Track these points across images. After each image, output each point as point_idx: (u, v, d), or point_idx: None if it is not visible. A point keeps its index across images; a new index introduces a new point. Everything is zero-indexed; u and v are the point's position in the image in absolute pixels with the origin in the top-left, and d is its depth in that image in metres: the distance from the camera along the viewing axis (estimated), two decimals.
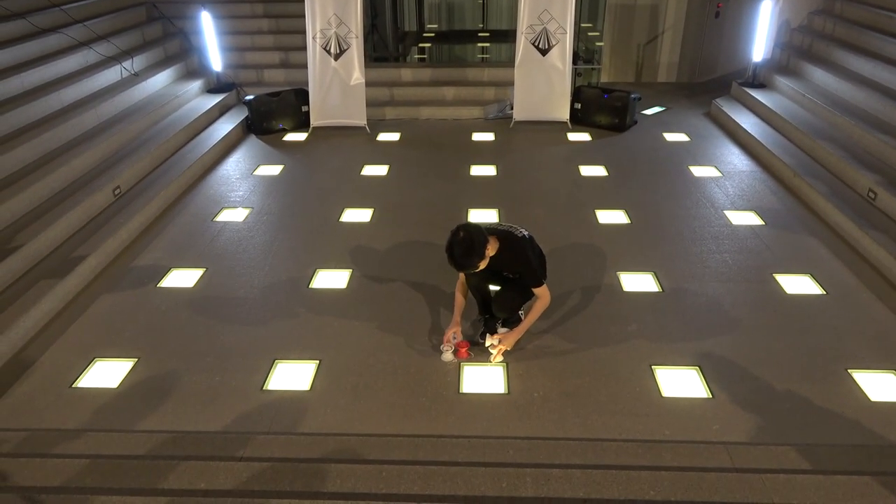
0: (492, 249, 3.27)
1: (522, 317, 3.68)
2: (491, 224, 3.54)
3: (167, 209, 5.49)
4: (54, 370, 3.55)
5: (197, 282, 4.40)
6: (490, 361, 3.55)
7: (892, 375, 3.42)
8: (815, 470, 2.80)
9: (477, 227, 3.23)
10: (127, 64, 7.16)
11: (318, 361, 3.60)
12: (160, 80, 7.43)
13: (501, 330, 3.68)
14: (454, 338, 3.54)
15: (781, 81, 7.41)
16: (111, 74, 6.92)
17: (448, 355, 3.57)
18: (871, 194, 5.07)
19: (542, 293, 3.48)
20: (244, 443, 3.00)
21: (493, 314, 3.77)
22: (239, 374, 3.50)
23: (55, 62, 6.41)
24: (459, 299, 3.64)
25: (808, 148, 6.10)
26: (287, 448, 2.98)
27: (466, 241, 3.14)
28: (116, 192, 5.35)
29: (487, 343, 3.55)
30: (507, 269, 3.46)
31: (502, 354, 3.55)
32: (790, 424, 3.10)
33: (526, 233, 3.53)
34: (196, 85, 7.75)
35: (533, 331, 3.72)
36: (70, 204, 4.86)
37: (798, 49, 7.91)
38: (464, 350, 3.58)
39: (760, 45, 7.55)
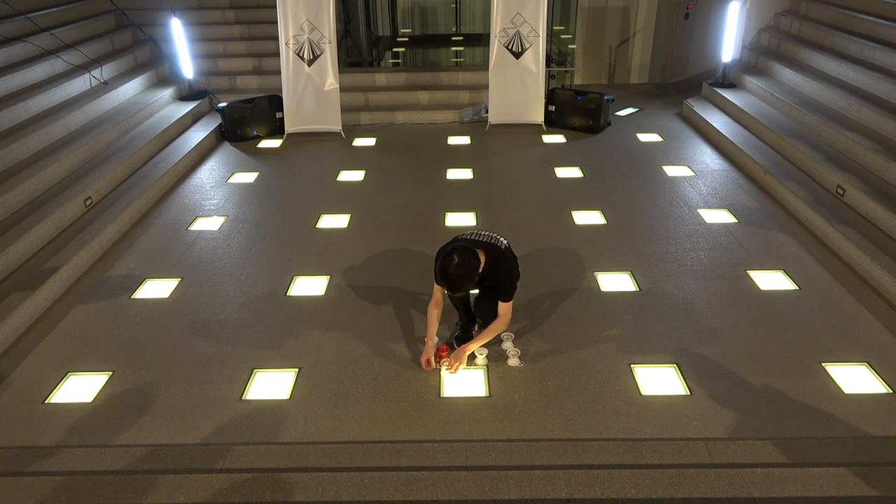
0: (481, 265, 3.30)
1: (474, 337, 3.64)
2: (473, 233, 3.54)
3: (140, 219, 5.42)
4: (26, 386, 3.48)
5: (172, 292, 4.35)
6: (472, 364, 3.56)
7: (864, 368, 3.49)
8: (792, 463, 2.85)
9: (469, 250, 3.25)
10: (96, 72, 7.06)
11: (297, 369, 3.57)
12: (131, 88, 7.34)
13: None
14: (437, 356, 3.54)
15: (751, 81, 7.54)
16: (80, 83, 6.82)
17: (444, 365, 3.54)
18: (839, 190, 5.17)
19: (506, 311, 3.44)
20: (224, 454, 2.97)
21: (473, 321, 3.78)
22: (217, 384, 3.46)
23: (22, 71, 6.29)
24: (434, 315, 3.54)
25: (778, 146, 6.22)
26: (267, 458, 2.95)
27: (462, 266, 3.18)
28: (88, 202, 5.27)
29: (443, 367, 3.52)
30: (489, 279, 3.47)
31: (486, 358, 3.58)
32: (767, 419, 3.15)
33: (505, 242, 3.54)
34: (168, 93, 7.66)
35: (512, 331, 3.74)
36: (40, 215, 4.77)
37: (766, 49, 8.06)
38: (444, 354, 3.58)
39: (729, 45, 7.68)
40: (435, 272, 3.44)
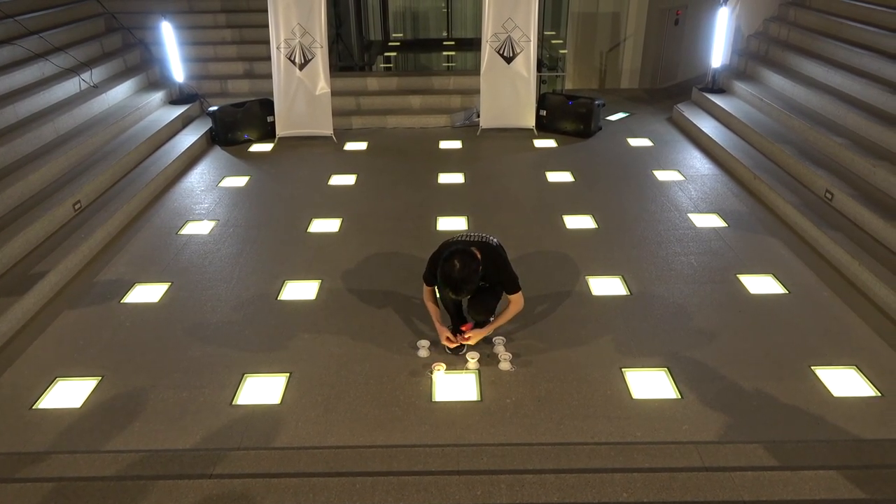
0: (480, 265, 3.31)
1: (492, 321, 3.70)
2: (464, 235, 3.57)
3: (130, 223, 5.39)
4: (14, 391, 3.44)
5: (162, 296, 4.32)
6: (464, 368, 3.56)
7: (853, 371, 3.51)
8: (783, 466, 2.86)
9: (466, 252, 3.27)
10: (85, 76, 7.02)
11: (288, 374, 3.55)
12: (120, 91, 7.30)
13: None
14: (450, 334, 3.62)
15: (740, 86, 7.59)
16: (69, 86, 6.78)
17: (424, 352, 3.67)
18: (828, 195, 5.21)
19: (518, 299, 3.56)
20: (215, 460, 2.95)
21: (464, 322, 3.77)
22: (207, 389, 3.44)
23: (10, 74, 6.25)
24: (433, 308, 3.68)
25: (766, 151, 6.26)
26: (259, 463, 2.94)
27: (464, 270, 3.20)
28: (77, 206, 5.23)
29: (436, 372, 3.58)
30: (485, 278, 3.48)
31: (477, 363, 3.58)
32: (757, 422, 3.16)
33: (496, 241, 3.57)
34: (158, 96, 7.63)
35: (504, 335, 3.74)
36: (28, 220, 4.74)
37: (755, 55, 8.13)
38: (467, 327, 3.64)
39: (719, 51, 7.74)
40: (433, 277, 3.47)
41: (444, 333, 3.59)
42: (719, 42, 7.67)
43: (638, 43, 10.08)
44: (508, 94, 7.37)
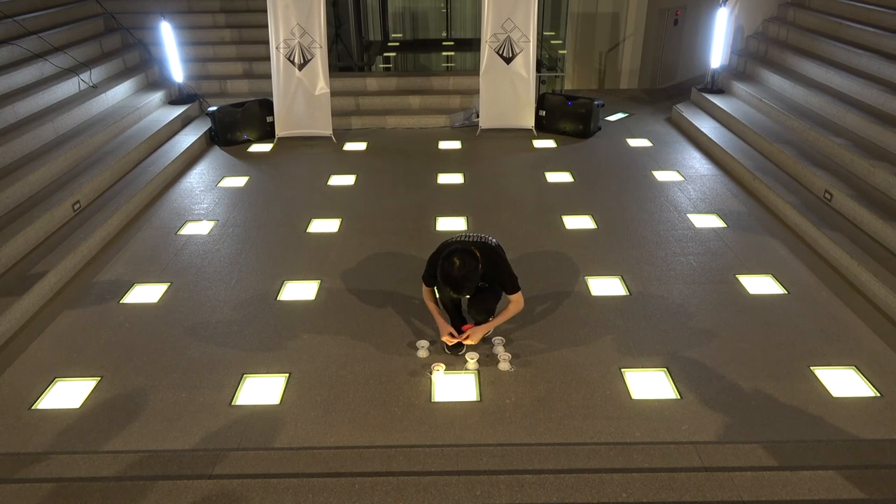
0: (480, 263, 3.32)
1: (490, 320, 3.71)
2: (462, 236, 3.58)
3: (129, 223, 5.38)
4: (13, 392, 3.44)
5: (161, 297, 4.32)
6: (463, 368, 3.56)
7: (852, 371, 3.51)
8: (782, 466, 2.86)
9: (466, 251, 3.28)
10: (85, 76, 7.02)
11: (287, 374, 3.55)
12: (120, 92, 7.30)
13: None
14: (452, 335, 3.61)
15: (739, 87, 7.60)
16: (68, 87, 6.77)
17: (424, 352, 3.67)
18: (826, 195, 5.22)
19: (518, 299, 3.57)
20: (214, 460, 2.95)
21: (464, 322, 3.78)
22: (207, 389, 3.44)
23: (9, 74, 6.24)
24: (433, 307, 3.69)
25: (766, 151, 6.27)
26: (258, 464, 2.94)
27: (464, 268, 3.21)
28: (76, 206, 5.23)
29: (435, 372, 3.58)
30: (485, 279, 3.49)
31: (477, 363, 3.58)
32: (756, 422, 3.16)
33: (494, 241, 3.57)
34: (157, 96, 7.62)
35: (503, 335, 3.74)
36: (27, 220, 4.73)
37: (754, 55, 8.13)
38: (467, 327, 3.64)
39: (718, 51, 7.74)
40: (432, 277, 3.48)
41: (447, 329, 3.59)
42: (718, 42, 7.67)
43: (637, 43, 10.08)
44: (508, 94, 7.37)
